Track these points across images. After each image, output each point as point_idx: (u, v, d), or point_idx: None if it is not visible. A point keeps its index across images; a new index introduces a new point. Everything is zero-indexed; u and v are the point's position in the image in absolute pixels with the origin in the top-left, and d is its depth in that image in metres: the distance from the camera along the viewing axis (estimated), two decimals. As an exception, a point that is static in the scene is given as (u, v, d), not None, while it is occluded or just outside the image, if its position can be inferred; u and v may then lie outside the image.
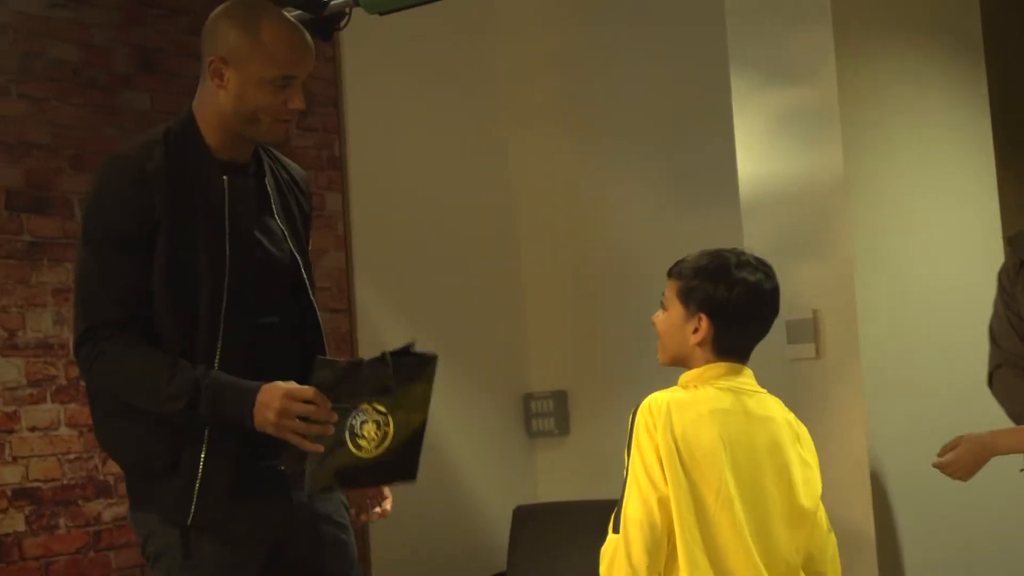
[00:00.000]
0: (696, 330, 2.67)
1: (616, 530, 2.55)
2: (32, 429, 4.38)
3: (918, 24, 4.34)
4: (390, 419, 2.70)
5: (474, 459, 5.57)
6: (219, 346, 2.72)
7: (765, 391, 2.77)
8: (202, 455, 2.69)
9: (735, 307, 2.67)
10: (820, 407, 4.02)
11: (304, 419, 2.61)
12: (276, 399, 2.62)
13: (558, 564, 4.97)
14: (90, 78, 4.66)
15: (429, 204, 5.55)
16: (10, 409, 4.33)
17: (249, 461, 2.73)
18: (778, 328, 4.05)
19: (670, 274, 2.76)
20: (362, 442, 2.68)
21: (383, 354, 2.72)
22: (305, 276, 2.90)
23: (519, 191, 5.89)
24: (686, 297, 2.70)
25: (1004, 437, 3.24)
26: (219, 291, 2.72)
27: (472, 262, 5.70)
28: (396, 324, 5.35)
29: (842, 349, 4.02)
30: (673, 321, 2.71)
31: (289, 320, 2.89)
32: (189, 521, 2.68)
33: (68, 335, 4.45)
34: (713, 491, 2.55)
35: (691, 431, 2.55)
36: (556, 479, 5.54)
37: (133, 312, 2.71)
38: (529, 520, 5.19)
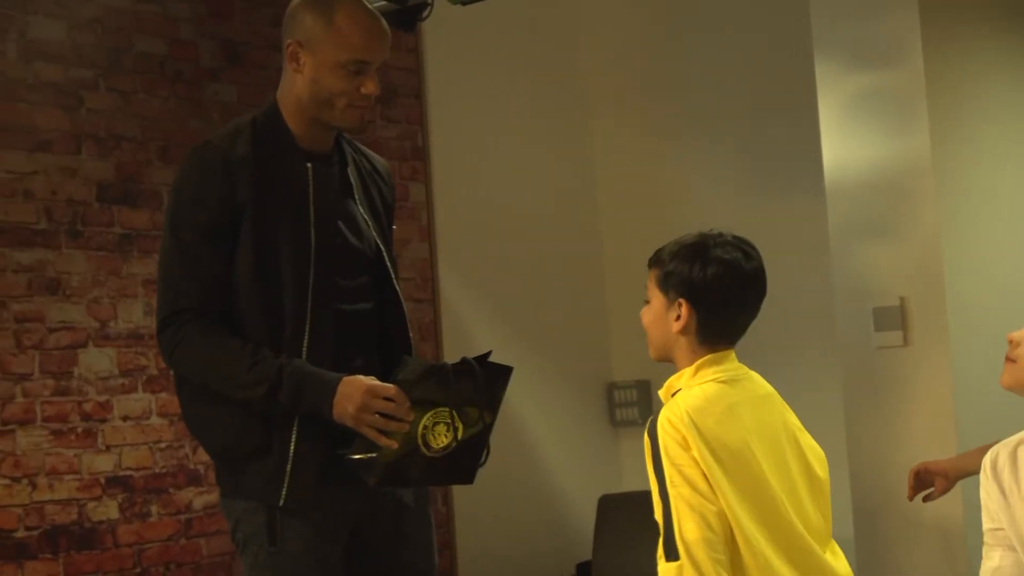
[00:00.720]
0: (678, 317, 2.52)
1: (674, 557, 2.39)
2: (124, 418, 4.45)
3: (1005, 5, 4.25)
4: (459, 423, 2.72)
5: (559, 449, 5.57)
6: (306, 333, 2.72)
7: (747, 368, 2.63)
8: (293, 438, 2.70)
9: (713, 288, 2.50)
10: (907, 396, 3.96)
11: (382, 415, 2.64)
12: (358, 393, 2.64)
13: (643, 553, 4.91)
14: (177, 71, 4.72)
15: (512, 193, 5.55)
16: (103, 399, 4.40)
17: (336, 447, 2.74)
18: (864, 315, 4.05)
19: (649, 263, 2.61)
20: (432, 442, 2.70)
21: (465, 360, 2.74)
22: (388, 264, 2.90)
23: (602, 179, 5.87)
24: (664, 284, 2.55)
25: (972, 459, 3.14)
26: (304, 278, 2.73)
27: (555, 251, 5.69)
28: (479, 314, 5.36)
29: (930, 337, 3.94)
30: (656, 311, 2.57)
31: (372, 307, 2.89)
32: (281, 503, 2.69)
33: (157, 325, 4.53)
34: (754, 486, 2.44)
35: (719, 432, 2.43)
36: (641, 468, 5.46)
37: (214, 299, 2.72)
38: (614, 509, 5.17)
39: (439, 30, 5.18)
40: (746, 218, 5.16)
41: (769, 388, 2.61)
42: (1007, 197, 4.17)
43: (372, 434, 2.64)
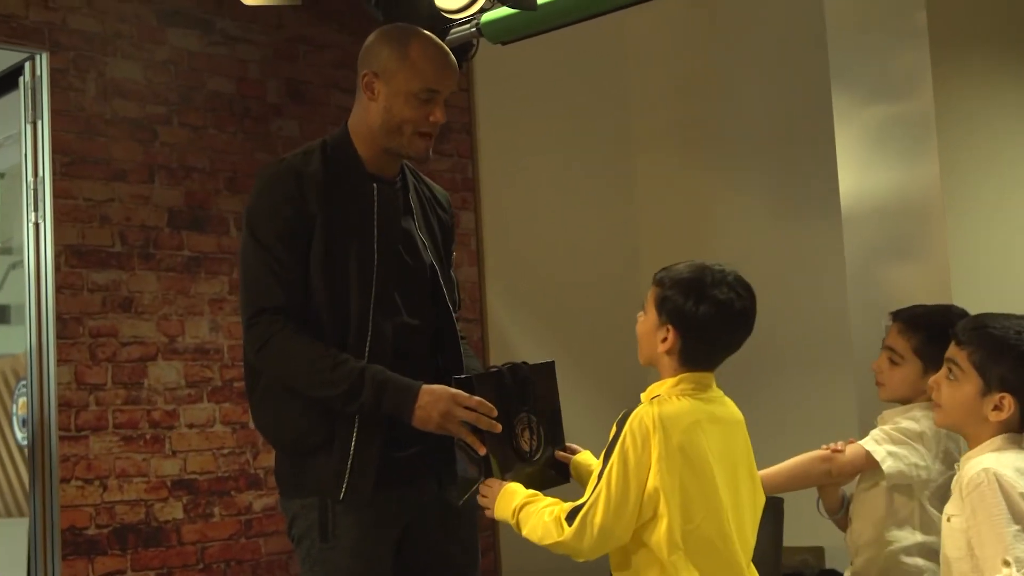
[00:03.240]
0: (664, 339, 2.58)
1: (571, 524, 2.50)
2: (190, 426, 4.63)
3: (1013, 41, 4.34)
4: (541, 426, 2.78)
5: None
6: (368, 341, 2.80)
7: (722, 393, 2.70)
8: (353, 437, 2.76)
9: (701, 323, 2.55)
10: (918, 408, 4.03)
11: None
12: (442, 401, 2.69)
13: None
14: (244, 108, 4.93)
15: (557, 223, 5.71)
16: (170, 408, 4.59)
17: (392, 447, 2.80)
18: (878, 332, 4.13)
19: (654, 279, 2.66)
20: (524, 448, 2.74)
21: (514, 364, 2.79)
22: (443, 284, 2.98)
23: (642, 208, 6.01)
24: (660, 306, 2.60)
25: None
26: (368, 292, 2.81)
27: (596, 275, 5.81)
28: (524, 334, 5.49)
29: (939, 351, 4.02)
30: (648, 326, 2.63)
31: (428, 324, 2.94)
32: (341, 497, 2.76)
33: (223, 341, 4.73)
34: (704, 495, 2.51)
35: (683, 441, 2.49)
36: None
37: (296, 300, 2.78)
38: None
39: (489, 68, 5.35)
40: (771, 242, 5.31)
41: (739, 416, 2.66)
42: (1013, 220, 4.25)
43: (462, 431, 2.68)
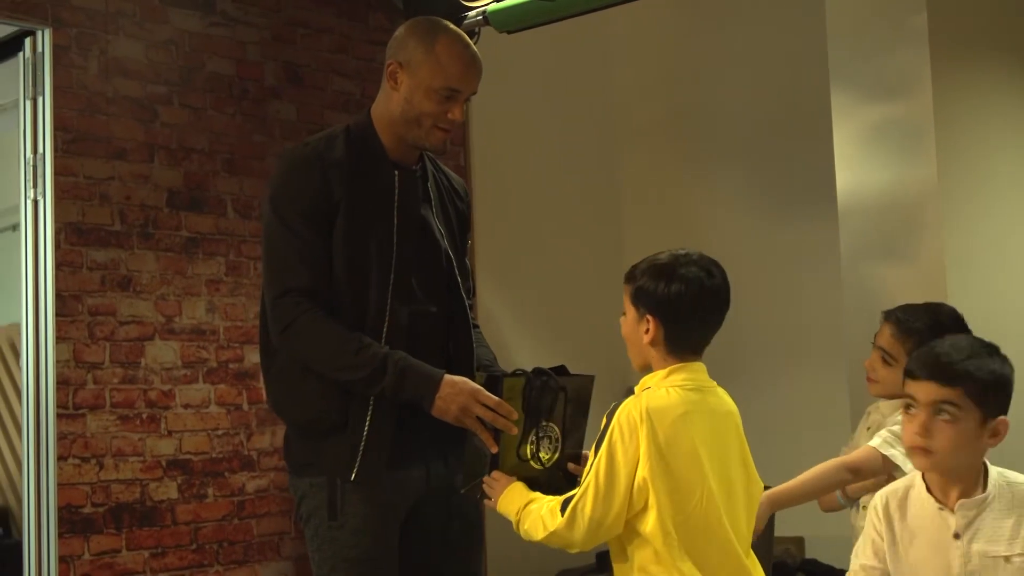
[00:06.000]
0: (647, 331, 2.57)
1: (563, 513, 2.51)
2: (185, 406, 4.55)
3: (1011, 44, 4.33)
4: (561, 439, 2.74)
5: (585, 444, 5.63)
6: (385, 326, 2.78)
7: (716, 384, 2.68)
8: (368, 417, 2.76)
9: (675, 304, 2.54)
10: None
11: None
12: (463, 395, 2.69)
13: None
14: (243, 90, 4.84)
15: (544, 212, 5.67)
16: (166, 388, 4.50)
17: (403, 428, 2.79)
18: (872, 329, 4.11)
19: (624, 279, 2.66)
20: (543, 456, 2.71)
21: (551, 371, 2.74)
22: (457, 272, 2.96)
23: (628, 203, 5.97)
24: (635, 299, 2.60)
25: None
26: (386, 277, 2.79)
27: (582, 266, 5.78)
28: (514, 324, 5.45)
29: (932, 349, 4.00)
30: (629, 324, 2.63)
31: (442, 311, 2.93)
32: (352, 478, 2.74)
33: (220, 322, 4.64)
34: (693, 486, 2.49)
35: (670, 433, 2.48)
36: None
37: (321, 281, 2.76)
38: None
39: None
40: (763, 240, 5.28)
41: (732, 407, 2.65)
42: (1009, 221, 4.25)
43: (477, 427, 2.67)
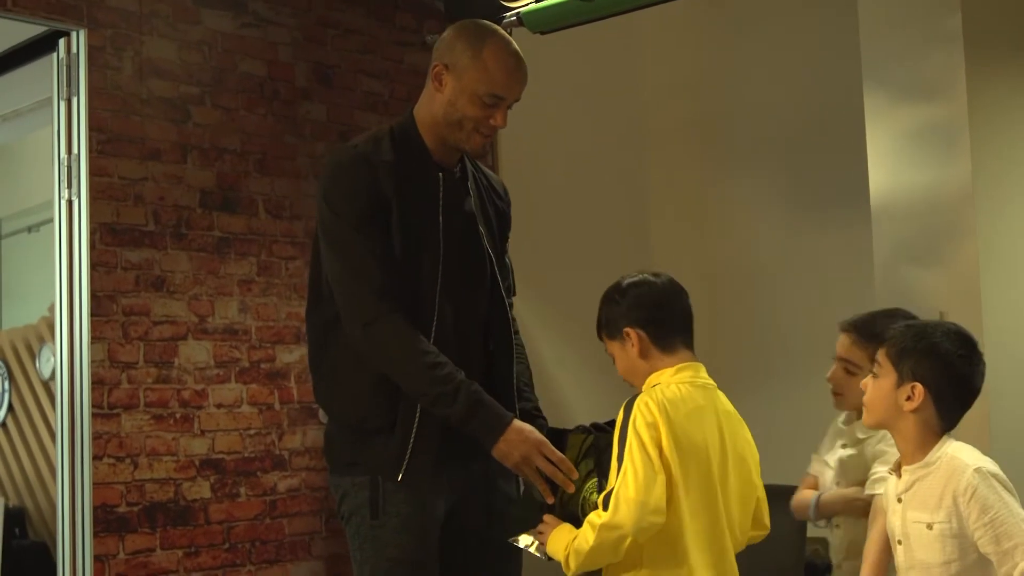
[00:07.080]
0: (632, 345, 2.68)
1: (606, 508, 2.53)
2: (218, 406, 4.54)
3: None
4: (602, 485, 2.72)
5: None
6: (433, 326, 2.77)
7: (715, 385, 2.73)
8: (415, 419, 2.74)
9: (635, 310, 2.69)
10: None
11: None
12: (527, 444, 2.68)
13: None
14: (274, 91, 4.83)
15: (572, 214, 5.62)
16: (199, 387, 4.49)
17: (446, 431, 2.77)
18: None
19: (598, 318, 2.81)
20: (587, 510, 2.67)
21: (603, 429, 2.73)
22: (497, 273, 2.95)
23: (656, 202, 5.93)
24: (605, 326, 2.76)
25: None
26: (434, 277, 2.79)
27: (608, 269, 5.64)
28: (545, 329, 5.42)
29: (967, 351, 3.97)
30: (618, 354, 2.74)
31: (484, 310, 2.94)
32: (399, 478, 2.73)
33: (251, 322, 4.63)
34: (703, 480, 2.56)
35: (686, 425, 2.55)
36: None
37: (392, 281, 2.74)
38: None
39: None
40: (793, 241, 5.24)
41: (732, 408, 2.71)
42: (1043, 224, 4.21)
43: (536, 479, 2.68)
